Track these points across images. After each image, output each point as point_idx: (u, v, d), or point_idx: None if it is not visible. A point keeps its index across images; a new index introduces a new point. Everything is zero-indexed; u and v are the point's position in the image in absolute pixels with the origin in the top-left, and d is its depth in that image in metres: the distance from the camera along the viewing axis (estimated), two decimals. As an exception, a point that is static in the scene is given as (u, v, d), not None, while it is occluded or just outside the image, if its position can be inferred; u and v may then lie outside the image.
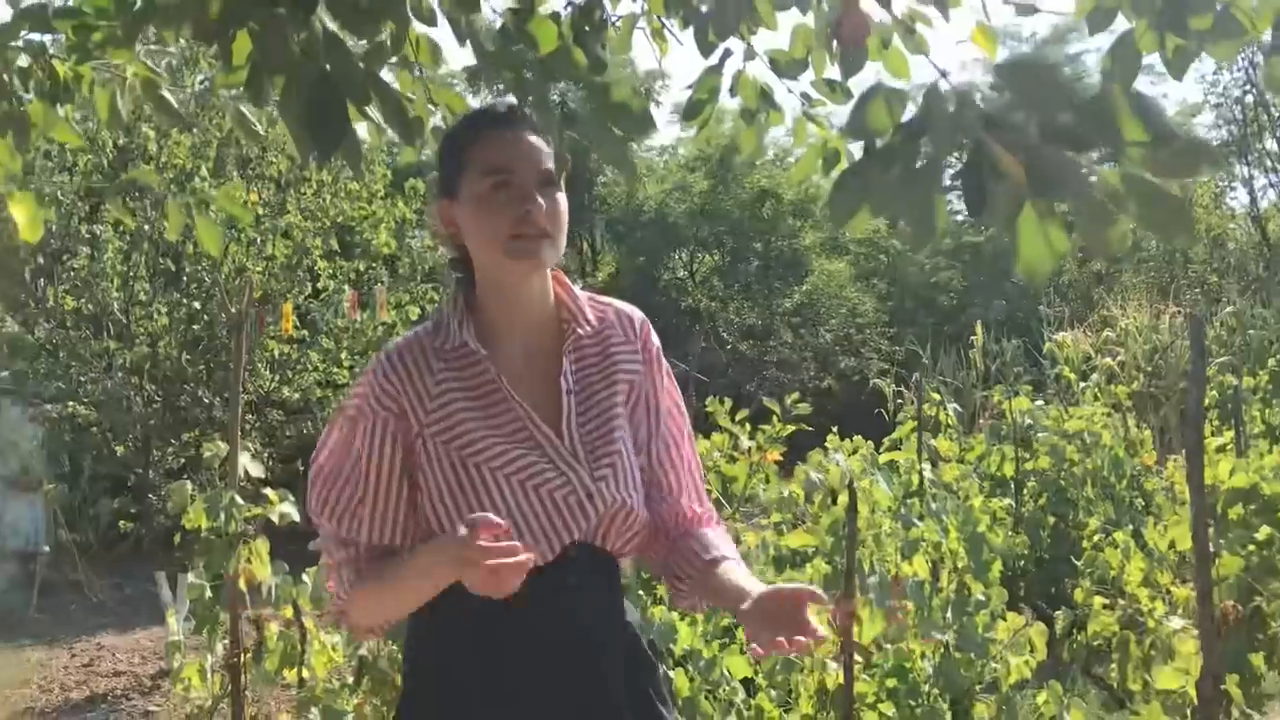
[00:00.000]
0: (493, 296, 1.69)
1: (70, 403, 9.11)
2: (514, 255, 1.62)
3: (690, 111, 1.92)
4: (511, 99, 1.73)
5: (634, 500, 1.70)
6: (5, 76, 1.66)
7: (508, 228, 1.61)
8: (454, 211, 1.68)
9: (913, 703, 3.15)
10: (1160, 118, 0.78)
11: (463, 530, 1.49)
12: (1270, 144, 20.16)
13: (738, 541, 4.27)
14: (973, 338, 12.85)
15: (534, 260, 1.63)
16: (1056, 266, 0.96)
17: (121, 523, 9.09)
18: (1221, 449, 5.45)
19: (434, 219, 1.73)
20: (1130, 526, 5.49)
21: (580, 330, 1.71)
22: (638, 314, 1.81)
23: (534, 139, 1.66)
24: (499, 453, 1.64)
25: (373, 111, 1.63)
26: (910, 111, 0.90)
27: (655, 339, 1.81)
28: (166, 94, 1.97)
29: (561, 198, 1.66)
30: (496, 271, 1.67)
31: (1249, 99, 19.94)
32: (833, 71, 1.85)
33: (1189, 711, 2.99)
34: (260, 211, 9.26)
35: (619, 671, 1.68)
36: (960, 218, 25.77)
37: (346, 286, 9.81)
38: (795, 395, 4.26)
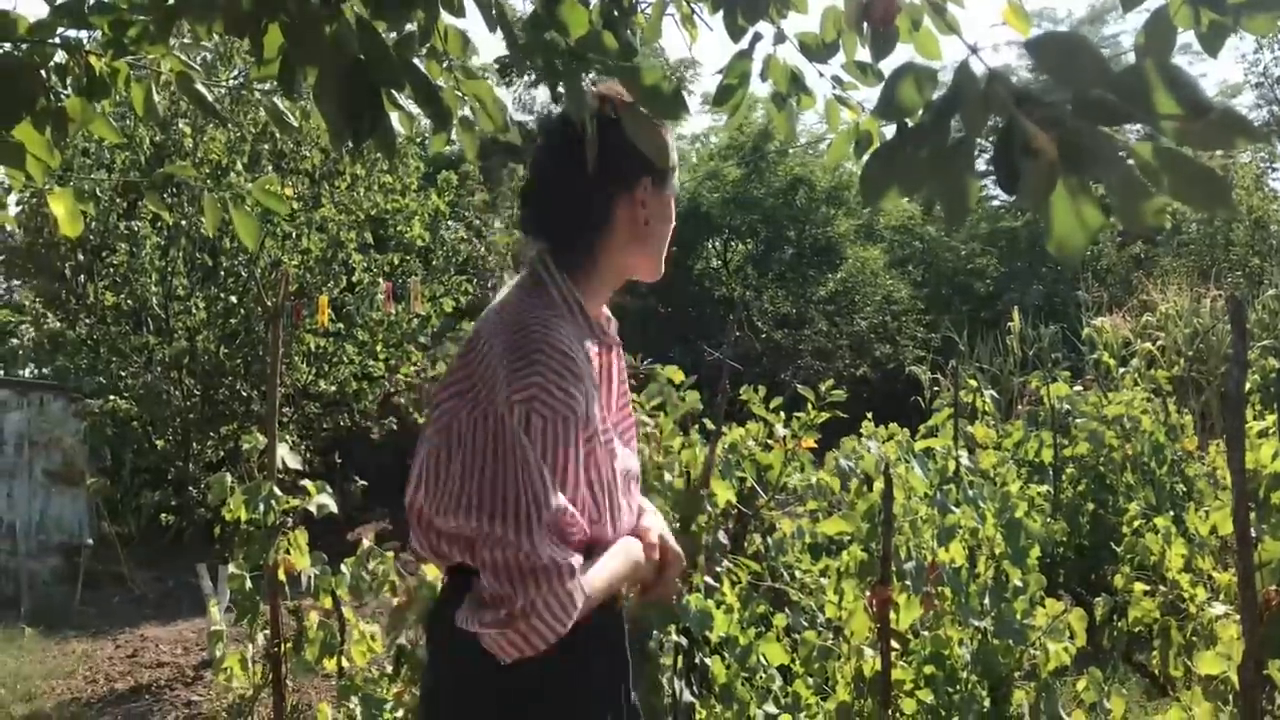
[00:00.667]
0: (605, 287, 1.76)
1: (111, 397, 9.23)
2: (664, 258, 1.81)
3: (721, 96, 1.91)
4: None
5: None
6: (42, 73, 1.69)
7: (669, 229, 1.77)
8: (654, 198, 1.72)
9: (950, 689, 3.14)
10: (1194, 90, 0.77)
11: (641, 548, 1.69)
12: (1313, 124, 19.84)
13: (772, 530, 4.27)
14: (1010, 324, 12.74)
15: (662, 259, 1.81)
16: (1090, 244, 0.95)
17: (163, 516, 9.21)
18: (1264, 434, 5.37)
19: (634, 199, 1.70)
20: (1171, 512, 5.43)
21: (613, 327, 1.83)
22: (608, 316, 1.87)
23: None
24: (611, 447, 1.69)
25: (405, 100, 1.64)
26: (941, 90, 0.89)
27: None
28: (201, 88, 1.98)
29: None
30: (642, 268, 1.80)
31: (1289, 77, 19.63)
32: (863, 54, 1.84)
33: (1231, 697, 2.95)
34: (295, 206, 9.33)
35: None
36: (997, 203, 25.59)
37: (381, 279, 9.87)
38: (830, 382, 4.24)
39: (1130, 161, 0.82)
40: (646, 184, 1.68)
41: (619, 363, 1.79)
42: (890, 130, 1.13)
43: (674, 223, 1.74)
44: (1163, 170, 0.81)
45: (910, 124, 0.86)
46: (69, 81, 1.76)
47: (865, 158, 0.87)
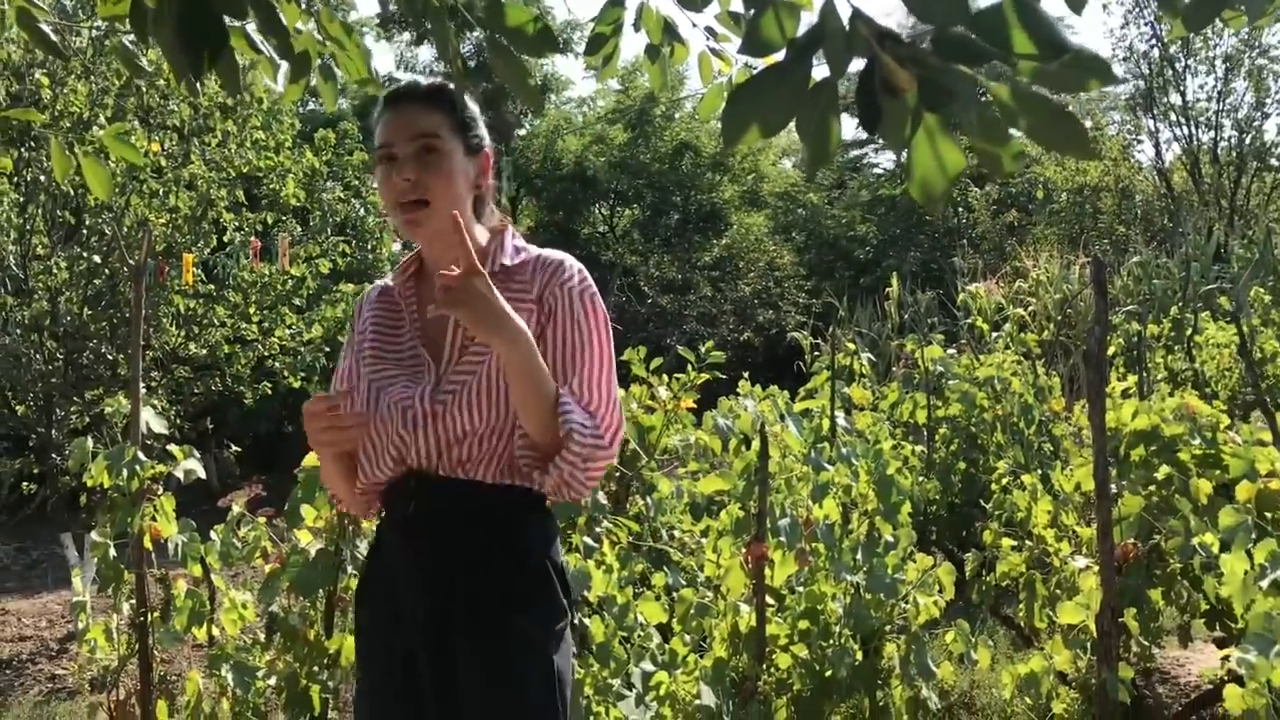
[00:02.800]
0: (403, 233, 1.97)
1: (-34, 361, 8.81)
2: (404, 224, 1.90)
3: (593, 46, 1.88)
4: (421, 79, 1.94)
5: (464, 422, 1.86)
6: None
7: (395, 197, 1.88)
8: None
9: (824, 643, 3.19)
10: (1052, 30, 0.77)
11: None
12: (1175, 98, 20.62)
13: (653, 490, 4.29)
14: (888, 289, 13.00)
15: (415, 228, 1.89)
16: (951, 187, 0.95)
17: (24, 484, 8.83)
18: (1126, 393, 5.58)
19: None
20: (1038, 470, 5.61)
21: (491, 269, 1.89)
22: (556, 262, 1.94)
23: (416, 109, 1.89)
24: (378, 370, 1.97)
25: (256, 36, 1.57)
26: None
27: (567, 282, 1.92)
28: (45, 27, 1.86)
29: (443, 159, 1.87)
30: (398, 229, 1.96)
31: (1155, 53, 20.35)
32: (737, 5, 1.82)
33: (1089, 645, 3.07)
34: (163, 162, 8.97)
35: (462, 592, 1.87)
36: (877, 171, 26.02)
37: (252, 237, 9.58)
38: (710, 344, 4.26)
39: (989, 102, 0.82)
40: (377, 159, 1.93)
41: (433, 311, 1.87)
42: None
43: (391, 183, 1.88)
44: (1020, 111, 0.81)
45: (772, 60, 0.84)
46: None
47: (728, 99, 0.85)
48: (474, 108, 1.96)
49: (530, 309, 1.89)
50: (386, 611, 1.96)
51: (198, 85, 2.28)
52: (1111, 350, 8.30)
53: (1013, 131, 0.83)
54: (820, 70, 0.85)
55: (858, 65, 0.86)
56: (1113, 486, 3.57)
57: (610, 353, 1.95)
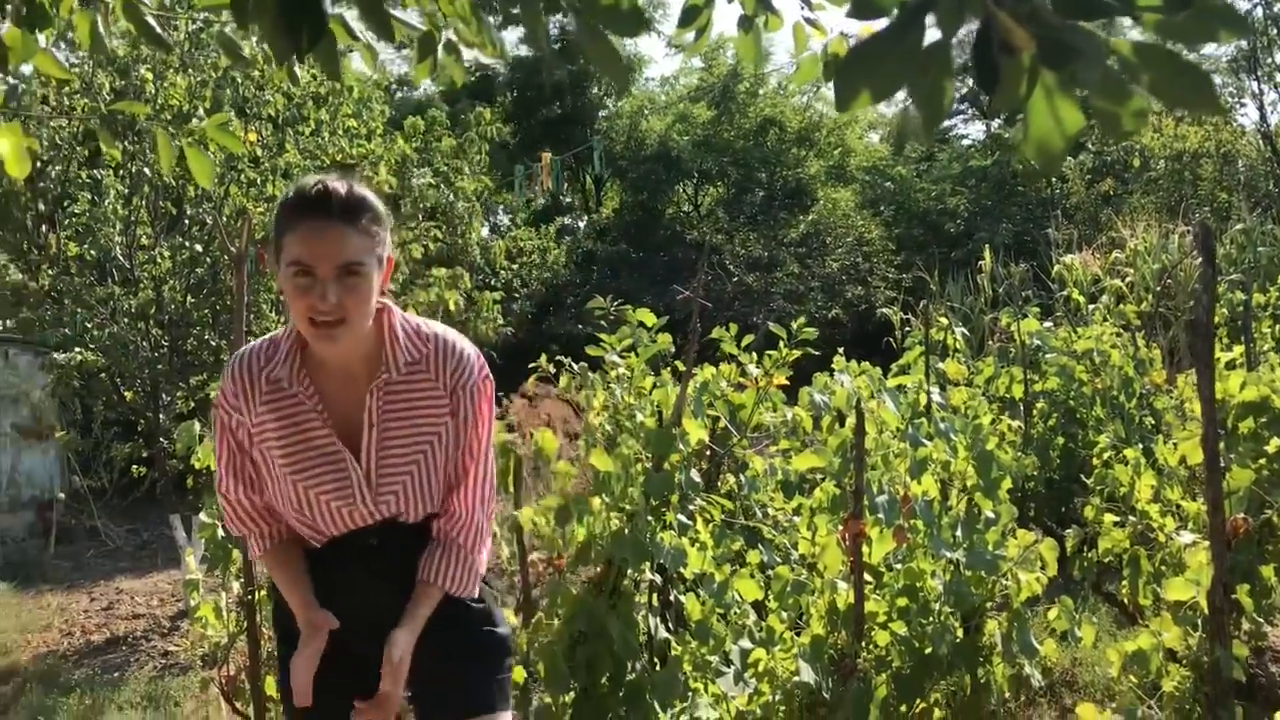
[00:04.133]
0: (313, 346, 2.02)
1: (77, 350, 9.11)
2: (314, 338, 1.96)
3: (687, 18, 1.86)
4: (331, 180, 1.98)
5: (418, 508, 2.12)
6: (-19, 1, 1.62)
7: (306, 312, 1.92)
8: (277, 274, 2.01)
9: (924, 620, 3.16)
10: (1177, -18, 0.74)
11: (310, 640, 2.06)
12: (1280, 58, 19.86)
13: (745, 468, 4.28)
14: (980, 263, 12.76)
15: (329, 340, 1.96)
16: (1069, 149, 0.93)
17: (134, 468, 9.14)
18: (1231, 364, 5.41)
19: (267, 267, 2.10)
20: (1140, 444, 5.48)
21: (386, 375, 2.04)
22: (458, 354, 2.11)
23: (340, 231, 1.92)
24: (296, 466, 2.06)
25: (362, 32, 1.59)
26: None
27: (469, 381, 2.11)
28: (150, 19, 1.91)
29: (365, 282, 1.95)
30: (306, 336, 1.99)
31: (1259, 12, 19.59)
32: (834, -27, 1.80)
33: (1200, 622, 2.99)
34: (259, 152, 9.17)
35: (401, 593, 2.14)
36: (967, 142, 25.52)
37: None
38: (802, 320, 4.22)
39: (1110, 59, 0.79)
40: (278, 257, 1.97)
41: (373, 405, 2.07)
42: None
43: (304, 299, 1.92)
44: (1143, 67, 0.78)
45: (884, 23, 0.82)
46: (8, 11, 1.69)
47: (841, 64, 0.84)
48: (382, 213, 2.04)
49: (443, 404, 2.09)
50: (351, 624, 2.10)
51: (295, 73, 2.32)
52: (1216, 320, 8.04)
53: (1134, 89, 0.80)
54: (932, 32, 0.83)
55: (970, 26, 0.84)
56: (1221, 460, 3.47)
57: (490, 449, 2.21)
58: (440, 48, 1.76)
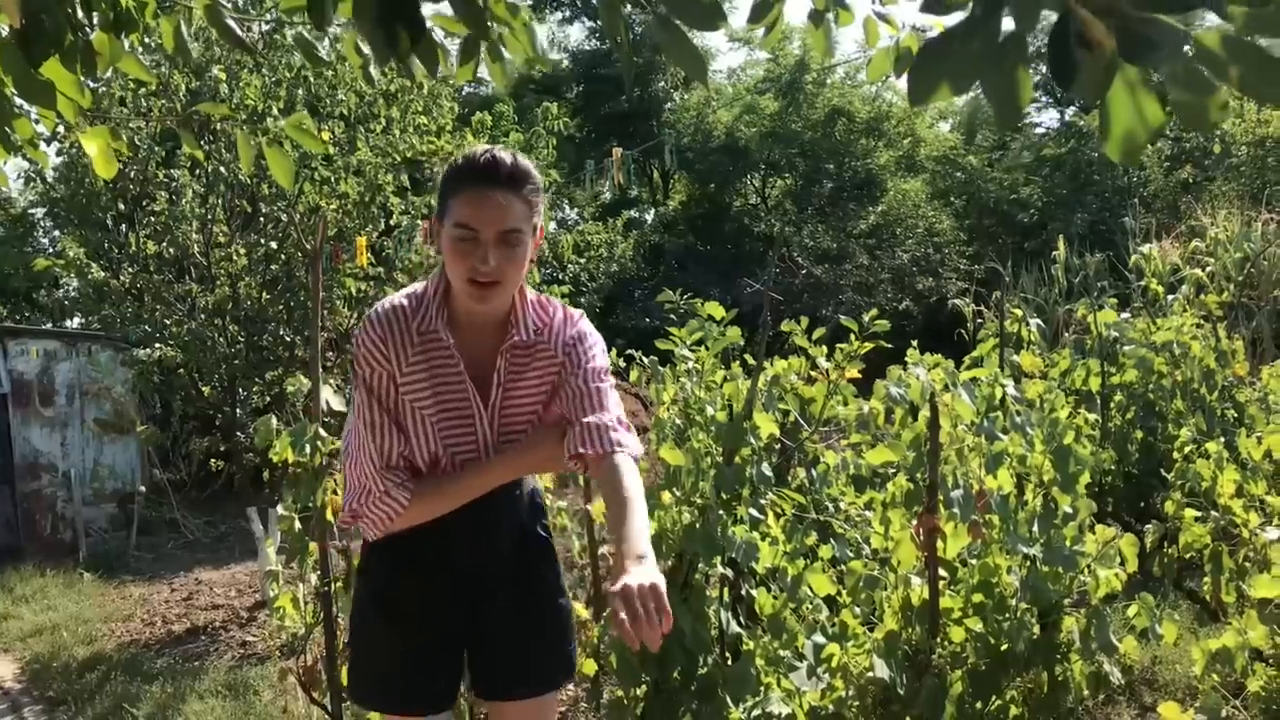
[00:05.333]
0: (461, 302, 2.15)
1: (157, 345, 9.33)
2: (470, 296, 2.08)
3: (758, 12, 1.86)
4: (498, 150, 2.10)
5: None
6: (70, 9, 1.66)
7: (466, 272, 2.05)
8: (440, 235, 2.13)
9: (1000, 617, 3.12)
10: (1265, -29, 0.72)
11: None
12: (1369, 38, 19.19)
13: (816, 462, 4.26)
14: (1054, 253, 12.54)
15: (483, 301, 2.09)
16: (1150, 143, 0.92)
17: (213, 461, 9.34)
18: (1318, 356, 5.27)
19: (428, 231, 2.25)
20: (1222, 438, 5.35)
21: (516, 338, 2.19)
22: (571, 331, 2.26)
23: (504, 199, 2.05)
24: (436, 413, 2.18)
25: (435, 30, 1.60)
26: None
27: (584, 346, 2.25)
28: (230, 21, 1.95)
29: (520, 249, 2.08)
30: (460, 295, 2.12)
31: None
32: (906, -35, 1.78)
33: (1287, 621, 2.92)
34: (331, 150, 9.31)
35: (508, 545, 2.32)
36: (1040, 130, 25.08)
37: (419, 221, 9.87)
38: (874, 312, 4.19)
39: (1193, 52, 0.78)
40: (442, 217, 2.10)
41: (502, 365, 2.20)
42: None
43: (466, 261, 2.04)
44: (1230, 61, 0.77)
45: (959, 17, 0.81)
46: (95, 17, 1.74)
47: (915, 59, 0.83)
48: (540, 184, 2.17)
49: (556, 367, 2.24)
50: (439, 564, 2.26)
51: (372, 73, 2.35)
52: (1302, 310, 7.83)
53: (1217, 83, 0.79)
54: (1008, 24, 0.82)
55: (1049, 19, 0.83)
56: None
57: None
58: (484, 52, 1.78)
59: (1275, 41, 0.76)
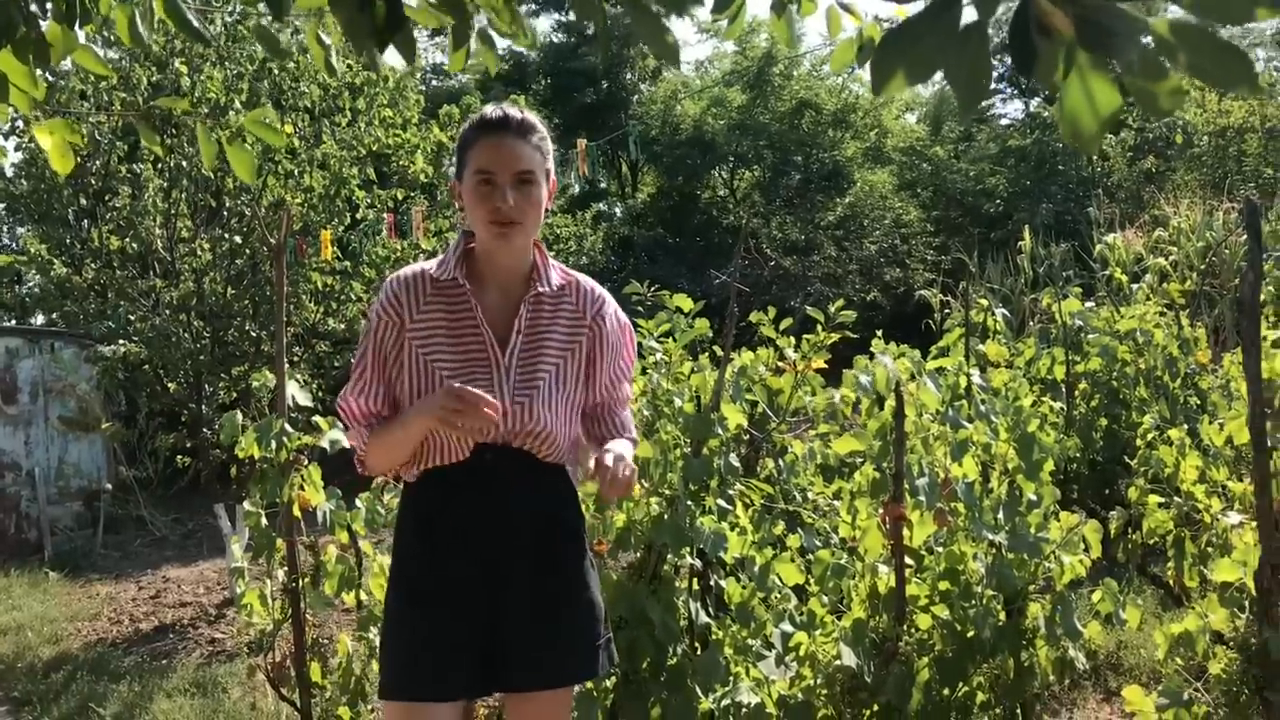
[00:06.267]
0: (483, 252, 2.33)
1: (121, 342, 9.24)
2: (492, 235, 2.25)
3: (721, 2, 1.86)
4: (507, 106, 2.32)
5: (546, 418, 2.29)
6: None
7: (488, 215, 2.23)
8: (461, 192, 2.32)
9: (966, 604, 3.15)
10: (1216, -42, 0.73)
11: (443, 395, 2.13)
12: (1327, 30, 19.45)
13: (784, 453, 4.27)
14: (1020, 243, 12.63)
15: (506, 240, 2.26)
16: (1107, 130, 0.92)
17: (179, 458, 9.26)
18: (1277, 344, 5.34)
19: (451, 194, 2.42)
20: (1185, 425, 5.41)
21: (540, 289, 2.33)
22: (598, 293, 2.42)
23: (516, 144, 2.25)
24: (451, 361, 2.27)
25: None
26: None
27: (609, 315, 2.42)
28: (189, 14, 1.93)
29: (537, 190, 2.27)
30: (484, 240, 2.29)
31: (1304, -16, 19.19)
32: (868, -45, 1.78)
33: (1247, 603, 2.95)
34: (296, 143, 9.24)
35: (529, 533, 2.30)
36: (1005, 121, 25.23)
37: (385, 215, 9.81)
38: (840, 303, 4.21)
39: (1147, 39, 0.79)
40: (461, 175, 2.30)
41: (525, 313, 2.32)
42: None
43: (487, 204, 2.22)
44: (1181, 46, 0.77)
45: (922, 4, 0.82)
46: (48, 7, 1.71)
47: (877, 48, 0.83)
48: (548, 136, 2.35)
49: (582, 328, 2.38)
50: (456, 548, 2.28)
51: (333, 64, 2.34)
52: (1262, 298, 7.92)
53: (1171, 69, 0.79)
54: (969, 13, 0.83)
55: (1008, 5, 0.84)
56: (1269, 440, 3.42)
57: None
58: (474, 36, 1.77)
59: (1224, 26, 0.77)
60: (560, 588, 2.33)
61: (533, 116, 2.32)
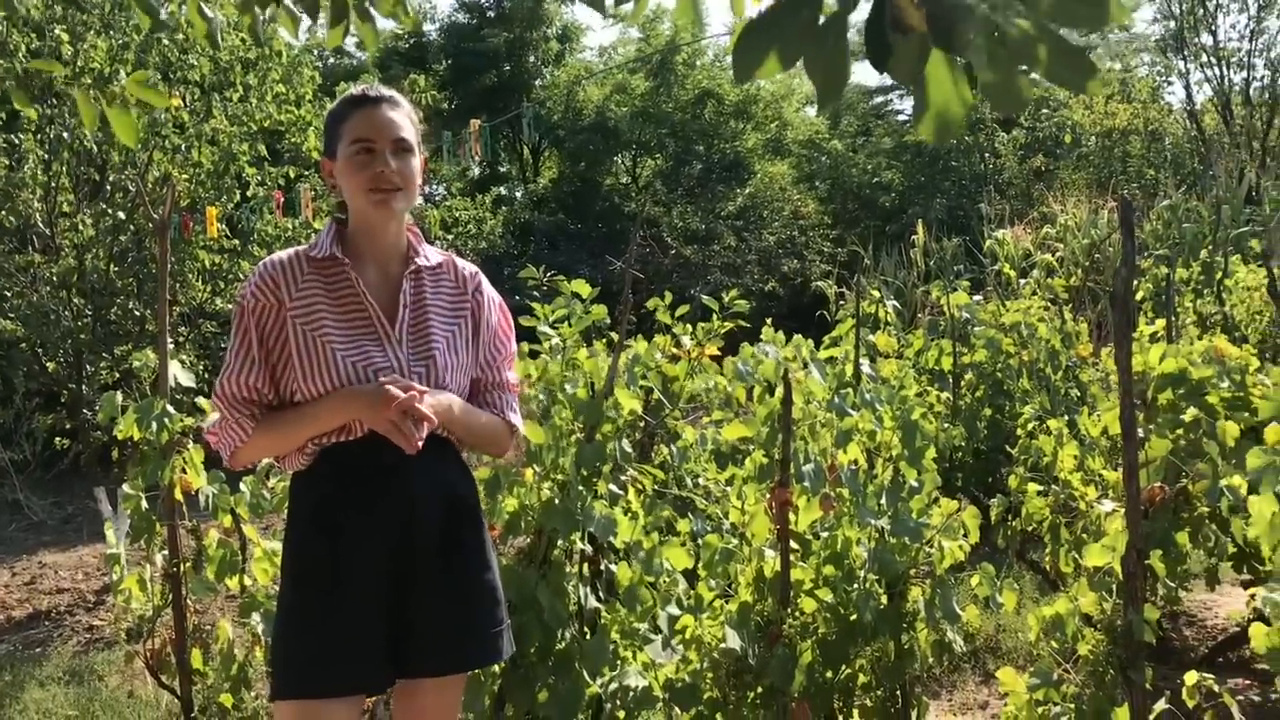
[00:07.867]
0: (361, 229, 2.31)
1: (-4, 319, 8.90)
2: (373, 203, 2.24)
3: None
4: (378, 85, 2.36)
5: (449, 381, 2.29)
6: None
7: (368, 182, 2.22)
8: (334, 169, 2.30)
9: (849, 588, 3.21)
10: (1066, -39, 0.76)
11: (375, 386, 2.15)
12: (1206, 39, 20.22)
13: (678, 438, 4.30)
14: (914, 237, 12.90)
15: (387, 207, 2.25)
16: (961, 124, 0.95)
17: (57, 440, 8.95)
18: (1154, 337, 5.55)
19: (322, 173, 2.37)
20: (1065, 416, 5.60)
21: (420, 263, 2.34)
22: (474, 270, 2.45)
23: (391, 114, 2.27)
24: (340, 336, 2.22)
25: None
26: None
27: (487, 291, 2.45)
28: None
29: (413, 159, 2.28)
30: (363, 212, 2.27)
31: (1187, -8, 19.93)
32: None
33: (1115, 587, 3.07)
34: (185, 117, 8.98)
35: (433, 513, 2.25)
36: (902, 118, 25.70)
37: (275, 192, 9.60)
38: (734, 292, 4.25)
39: (1000, 38, 0.81)
40: (333, 151, 2.30)
41: (408, 288, 2.32)
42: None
43: (366, 171, 2.22)
44: (1031, 48, 0.80)
45: (782, -4, 0.83)
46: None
47: (739, 35, 0.85)
48: (414, 113, 2.38)
49: (465, 301, 2.39)
50: (358, 532, 2.20)
51: (217, 38, 2.28)
52: (1140, 294, 8.22)
53: (1020, 68, 0.82)
54: (831, 4, 0.84)
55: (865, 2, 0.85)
56: (1140, 430, 3.56)
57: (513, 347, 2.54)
58: (353, 12, 1.75)
59: (1082, 32, 0.79)
60: (465, 568, 2.29)
61: (398, 93, 2.36)
